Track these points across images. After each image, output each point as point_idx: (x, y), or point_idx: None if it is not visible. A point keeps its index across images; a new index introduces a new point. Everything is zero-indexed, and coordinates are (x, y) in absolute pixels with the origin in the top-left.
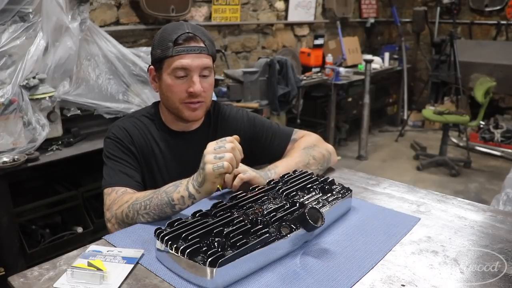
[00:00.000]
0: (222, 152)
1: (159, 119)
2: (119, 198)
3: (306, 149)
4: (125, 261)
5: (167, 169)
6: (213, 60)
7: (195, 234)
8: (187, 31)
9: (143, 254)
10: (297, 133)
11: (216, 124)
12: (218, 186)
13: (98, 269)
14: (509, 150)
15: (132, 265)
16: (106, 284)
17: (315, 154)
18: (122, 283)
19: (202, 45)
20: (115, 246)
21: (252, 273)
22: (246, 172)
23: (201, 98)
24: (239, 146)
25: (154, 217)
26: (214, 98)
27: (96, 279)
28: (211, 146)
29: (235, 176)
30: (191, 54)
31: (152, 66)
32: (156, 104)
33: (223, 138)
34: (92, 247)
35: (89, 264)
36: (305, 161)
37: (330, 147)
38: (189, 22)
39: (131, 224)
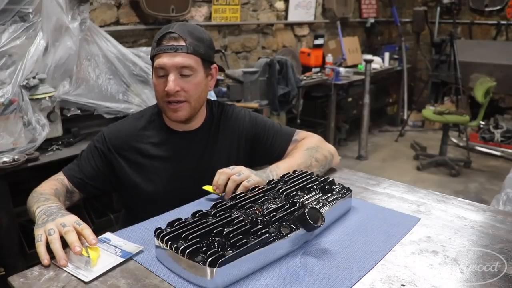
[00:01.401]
0: None
1: (161, 118)
2: (46, 182)
3: (309, 150)
4: (120, 254)
5: (165, 168)
6: (205, 60)
7: (195, 234)
8: (171, 30)
9: (141, 251)
10: (299, 133)
11: (218, 123)
12: (218, 192)
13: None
14: (509, 150)
15: (123, 259)
16: (90, 271)
17: (318, 156)
18: (104, 274)
19: (181, 43)
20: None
21: (252, 273)
22: (250, 180)
23: (180, 98)
24: None
25: None
26: (214, 98)
27: (82, 263)
28: None
29: (238, 184)
30: (167, 53)
31: None
32: None
33: None
34: (107, 234)
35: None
36: (307, 162)
37: (332, 148)
38: (189, 22)
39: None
